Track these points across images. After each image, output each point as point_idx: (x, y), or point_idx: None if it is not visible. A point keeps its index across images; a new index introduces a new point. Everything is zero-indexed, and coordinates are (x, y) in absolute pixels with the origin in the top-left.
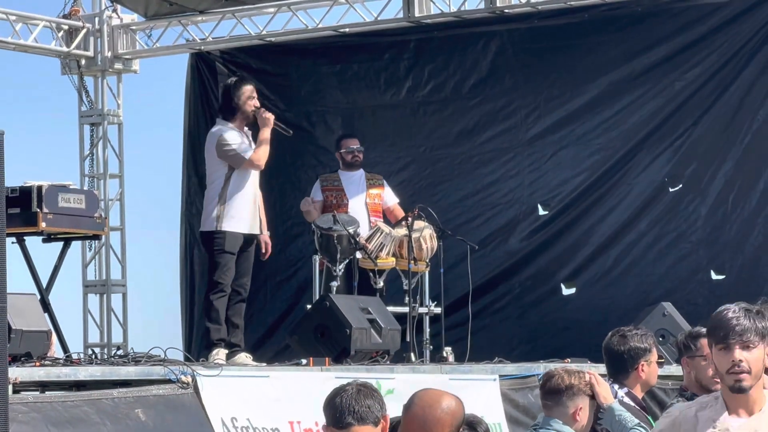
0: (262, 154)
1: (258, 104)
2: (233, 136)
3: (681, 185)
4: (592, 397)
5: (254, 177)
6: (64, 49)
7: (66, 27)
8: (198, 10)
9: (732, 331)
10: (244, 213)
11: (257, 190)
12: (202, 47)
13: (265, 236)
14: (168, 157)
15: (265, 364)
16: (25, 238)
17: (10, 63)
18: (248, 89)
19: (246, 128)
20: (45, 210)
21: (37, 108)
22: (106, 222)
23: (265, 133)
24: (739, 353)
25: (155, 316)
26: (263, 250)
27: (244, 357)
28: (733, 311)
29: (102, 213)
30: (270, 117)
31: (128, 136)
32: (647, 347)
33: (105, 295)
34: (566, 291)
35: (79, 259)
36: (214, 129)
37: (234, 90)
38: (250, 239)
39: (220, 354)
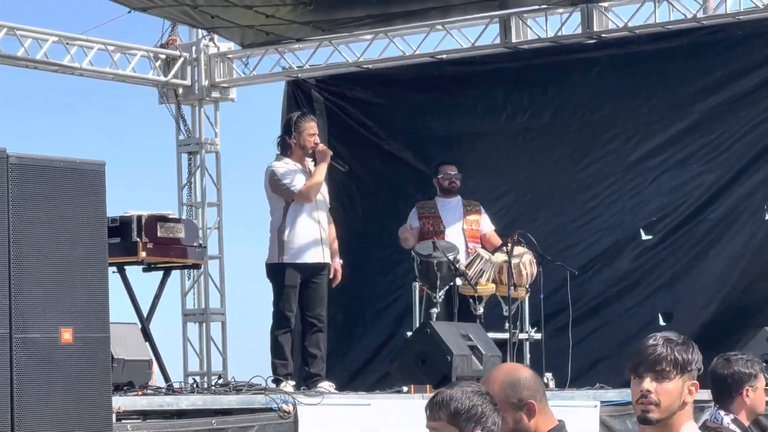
0: (312, 188)
1: (318, 140)
2: (285, 170)
3: None
4: None
5: (317, 207)
6: (162, 78)
7: (163, 56)
8: (295, 38)
9: (645, 359)
10: (305, 244)
11: (323, 219)
12: (299, 75)
13: (336, 264)
14: None
15: (365, 392)
16: (125, 267)
17: (109, 93)
18: (310, 126)
19: (308, 159)
20: (145, 239)
21: (136, 137)
22: (205, 251)
23: (320, 169)
24: (648, 383)
25: (254, 344)
26: (330, 276)
27: (326, 386)
28: (653, 339)
29: (201, 242)
30: (326, 152)
31: (226, 164)
32: (753, 373)
33: (204, 324)
34: (664, 320)
35: (179, 288)
36: (269, 164)
37: (296, 125)
38: (317, 269)
39: (287, 387)
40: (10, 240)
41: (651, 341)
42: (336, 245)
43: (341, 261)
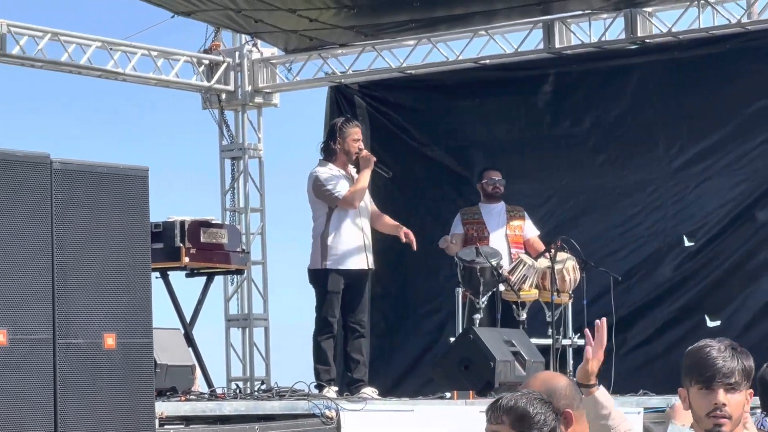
0: (356, 195)
1: (362, 146)
2: (329, 176)
3: None
4: None
5: (360, 213)
6: (205, 83)
7: (207, 62)
8: (338, 43)
9: (718, 372)
10: (348, 250)
11: (366, 225)
12: (342, 80)
13: (404, 229)
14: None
15: (408, 398)
16: (168, 272)
17: (152, 98)
18: (355, 131)
19: (350, 166)
20: (188, 245)
21: (179, 143)
22: (248, 256)
23: (364, 175)
24: (723, 396)
25: (297, 349)
26: (404, 240)
27: (369, 391)
28: (718, 349)
29: (244, 247)
30: (371, 159)
31: (269, 170)
32: None
33: (247, 329)
34: (711, 323)
35: (221, 293)
36: (313, 169)
37: (341, 131)
38: (359, 275)
39: (330, 393)
40: (53, 245)
41: (716, 351)
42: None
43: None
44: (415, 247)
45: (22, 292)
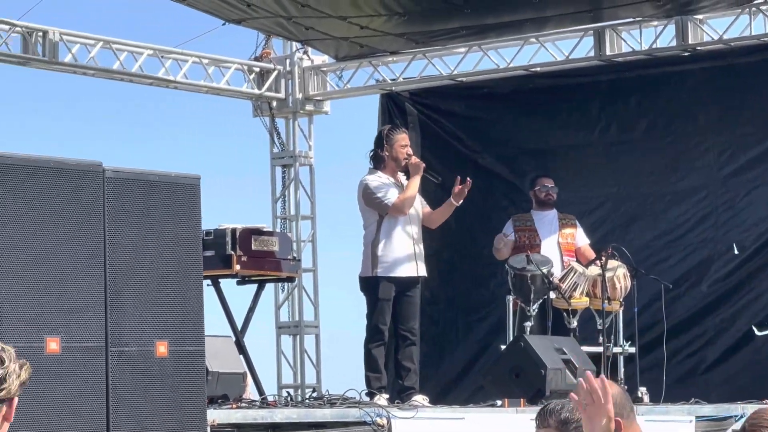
0: (405, 202)
1: (410, 152)
2: (378, 184)
3: None
4: None
5: (410, 220)
6: (256, 91)
7: (257, 69)
8: (389, 51)
9: None
10: (399, 258)
11: (416, 233)
12: (393, 88)
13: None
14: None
15: (459, 406)
16: (219, 280)
17: (203, 106)
18: (401, 137)
19: (400, 173)
20: (239, 253)
21: (230, 150)
22: (299, 264)
23: (414, 182)
24: None
25: (347, 357)
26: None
27: (420, 399)
28: None
29: (295, 255)
30: (420, 165)
31: (319, 177)
32: None
33: (298, 337)
34: (759, 333)
35: (272, 301)
36: (362, 177)
37: (387, 138)
38: (410, 283)
39: (381, 400)
40: (106, 253)
41: None
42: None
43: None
44: (468, 182)
45: (75, 300)
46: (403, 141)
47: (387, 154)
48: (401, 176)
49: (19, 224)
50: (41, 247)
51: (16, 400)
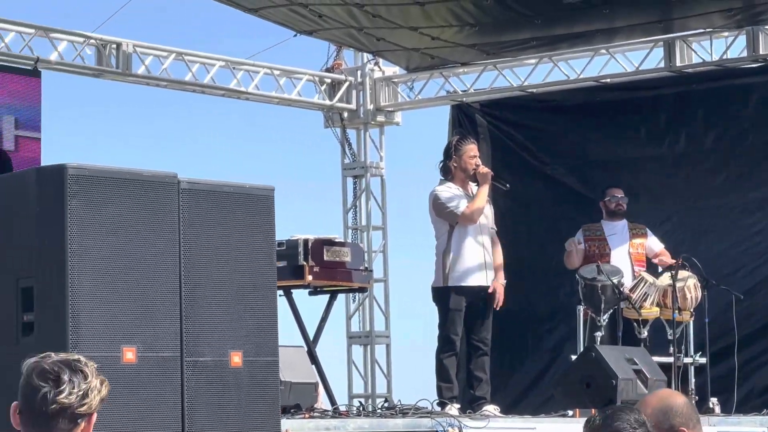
0: (475, 211)
1: (479, 162)
2: (449, 195)
3: None
4: None
5: (481, 230)
6: (327, 102)
7: (329, 80)
8: (459, 62)
9: None
10: (469, 268)
11: (487, 242)
12: (464, 99)
13: (497, 284)
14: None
15: (530, 416)
16: (292, 291)
17: (275, 117)
18: (469, 148)
19: (470, 184)
20: (311, 263)
21: (301, 161)
22: (371, 274)
23: (482, 191)
24: None
25: (418, 366)
26: (490, 291)
27: (491, 409)
28: None
29: (367, 265)
30: (488, 174)
31: (391, 188)
32: None
33: (369, 347)
34: None
35: (343, 311)
36: (433, 189)
37: (455, 149)
38: (481, 293)
39: (452, 410)
40: (181, 264)
41: None
42: (500, 262)
43: (504, 282)
44: (497, 305)
45: (151, 310)
46: (471, 151)
47: (456, 164)
48: (472, 186)
49: (96, 235)
50: (118, 258)
51: (95, 416)
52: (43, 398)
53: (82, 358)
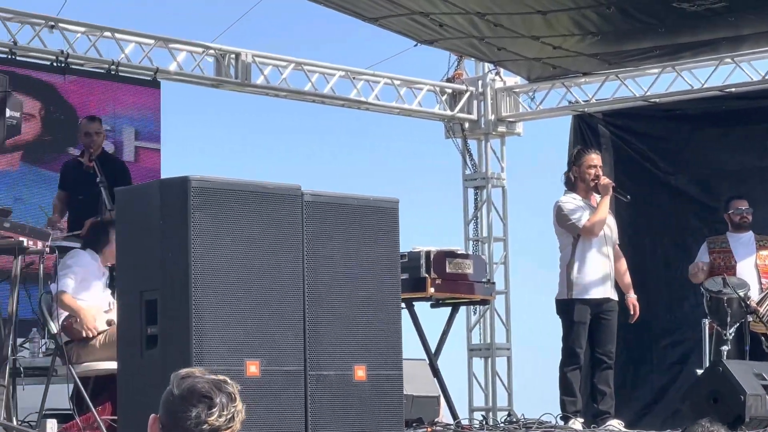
0: (596, 224)
1: (599, 173)
2: (572, 207)
3: None
4: None
5: (605, 241)
6: (448, 112)
7: (449, 90)
8: (581, 72)
9: None
10: (594, 280)
11: (611, 254)
12: (585, 109)
13: (632, 299)
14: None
15: (655, 431)
16: (413, 303)
17: (395, 127)
18: (590, 158)
19: (594, 195)
20: (433, 275)
21: (421, 171)
22: (493, 286)
23: (604, 202)
24: None
25: (539, 380)
26: (631, 312)
27: (616, 423)
28: None
29: (489, 277)
30: (609, 185)
31: (512, 199)
32: None
33: (490, 359)
34: None
35: (464, 323)
36: (557, 200)
37: (576, 159)
38: (605, 305)
39: (576, 424)
40: (305, 277)
41: None
42: (629, 279)
43: (635, 296)
44: (633, 320)
45: (274, 323)
46: (590, 161)
47: (576, 175)
48: (596, 198)
49: (220, 248)
50: (241, 271)
51: None
52: (196, 418)
53: (228, 379)
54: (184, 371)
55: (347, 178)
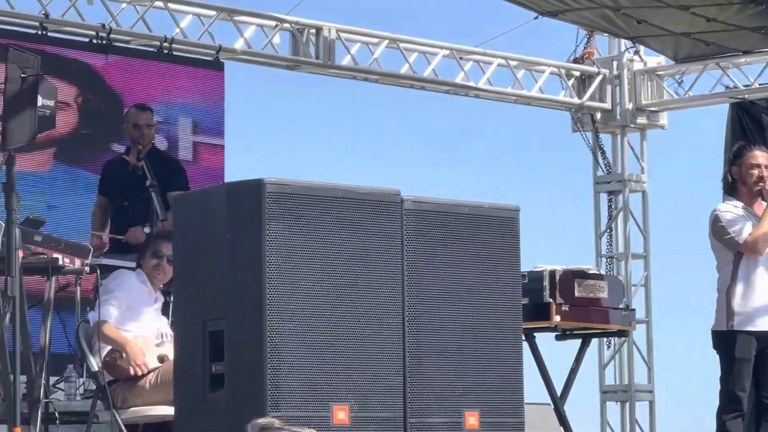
0: (759, 238)
1: (763, 175)
2: (732, 217)
3: None
4: None
5: None
6: (576, 100)
7: (577, 74)
8: (741, 50)
9: None
10: (760, 308)
11: None
12: (746, 96)
13: None
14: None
15: None
16: (535, 334)
17: (510, 117)
18: (752, 155)
19: (762, 202)
20: (559, 300)
21: (543, 172)
22: (633, 314)
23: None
24: None
25: (689, 429)
26: None
27: None
28: None
29: (627, 303)
30: None
31: (654, 207)
32: None
33: (628, 404)
34: None
35: (595, 359)
36: (715, 208)
37: (735, 156)
38: None
39: None
40: (405, 302)
41: None
42: None
43: None
44: None
45: (367, 360)
46: (753, 160)
47: (736, 176)
48: (764, 205)
49: (300, 267)
50: (327, 295)
51: None
52: None
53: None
54: (261, 421)
55: (453, 180)
